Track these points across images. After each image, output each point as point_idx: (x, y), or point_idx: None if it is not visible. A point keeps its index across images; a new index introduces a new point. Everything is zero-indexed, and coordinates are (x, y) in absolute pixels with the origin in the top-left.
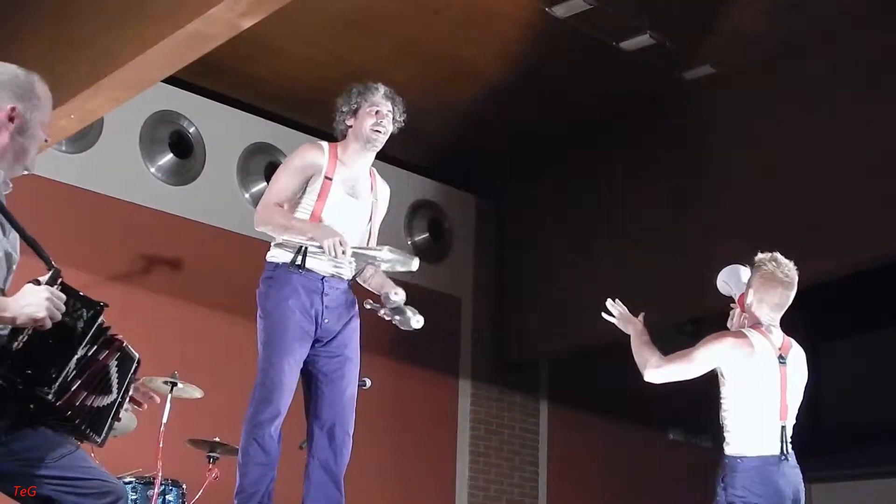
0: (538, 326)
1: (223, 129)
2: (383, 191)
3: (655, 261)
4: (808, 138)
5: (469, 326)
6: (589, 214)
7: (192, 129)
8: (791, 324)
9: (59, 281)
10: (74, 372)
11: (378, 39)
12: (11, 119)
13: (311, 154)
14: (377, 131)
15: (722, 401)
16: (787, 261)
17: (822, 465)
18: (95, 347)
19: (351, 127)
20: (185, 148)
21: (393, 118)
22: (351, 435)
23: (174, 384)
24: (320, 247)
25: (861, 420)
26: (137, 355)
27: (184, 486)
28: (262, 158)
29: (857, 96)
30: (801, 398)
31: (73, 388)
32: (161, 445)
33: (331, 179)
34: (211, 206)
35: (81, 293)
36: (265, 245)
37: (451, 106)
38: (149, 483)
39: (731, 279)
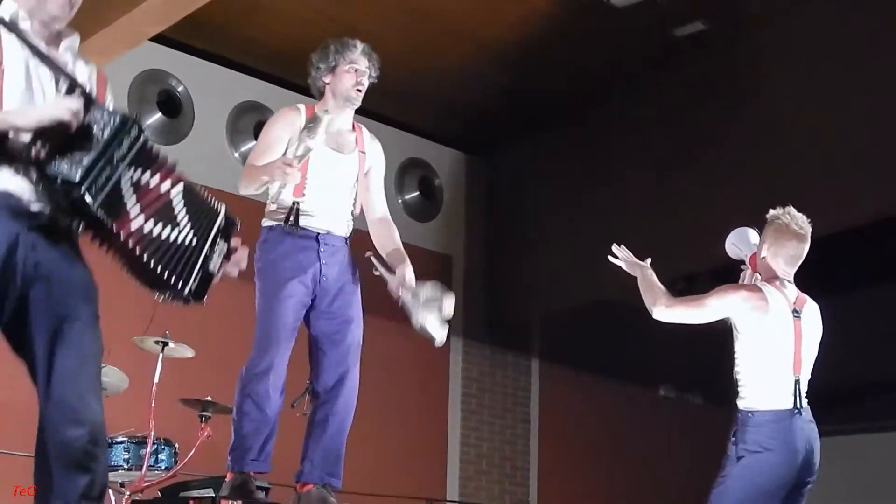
0: (529, 285)
1: (212, 87)
2: (373, 146)
3: (647, 219)
4: (801, 94)
5: (460, 285)
6: (580, 172)
7: (180, 88)
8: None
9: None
10: (132, 194)
11: None
12: None
13: (288, 117)
14: (358, 90)
15: (736, 355)
16: (799, 214)
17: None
18: (146, 171)
19: (328, 84)
20: (173, 107)
21: (369, 75)
22: (355, 395)
23: (166, 344)
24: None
25: (841, 378)
26: (222, 209)
27: (176, 446)
28: (251, 117)
29: (850, 52)
30: (815, 353)
31: (128, 208)
32: (153, 405)
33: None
34: (200, 165)
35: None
36: (254, 204)
37: (442, 64)
38: (141, 442)
39: (739, 241)
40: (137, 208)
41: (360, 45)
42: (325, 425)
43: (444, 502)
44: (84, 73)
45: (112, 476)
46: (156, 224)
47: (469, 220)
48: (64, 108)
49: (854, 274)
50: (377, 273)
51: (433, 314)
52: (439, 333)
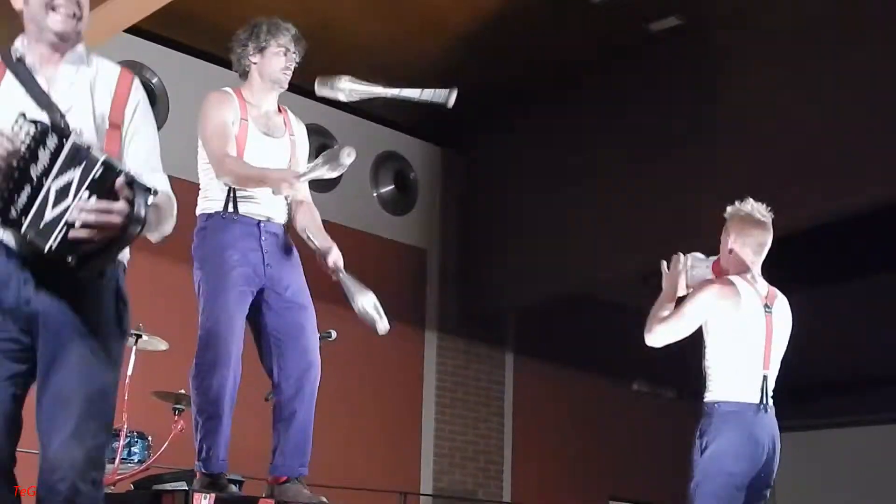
0: (504, 278)
1: (187, 79)
2: (299, 129)
3: (622, 213)
4: (774, 90)
5: (435, 278)
6: (556, 166)
7: (154, 80)
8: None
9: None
10: (52, 200)
11: None
12: None
13: (225, 99)
14: (285, 73)
15: (706, 348)
16: (759, 203)
17: (783, 415)
18: (71, 168)
19: (255, 64)
20: (148, 98)
21: (296, 61)
22: (318, 382)
23: (139, 336)
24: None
25: (826, 370)
26: (102, 157)
27: (149, 438)
28: None
29: (823, 48)
30: (784, 348)
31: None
32: (126, 398)
33: (246, 121)
34: (175, 157)
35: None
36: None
37: (417, 57)
38: (114, 435)
39: (695, 261)
40: (50, 205)
41: (292, 29)
42: (294, 418)
43: (418, 495)
44: (81, 86)
45: None
46: (55, 209)
47: (444, 213)
48: None
49: (824, 269)
50: (313, 247)
51: (370, 298)
52: (381, 321)
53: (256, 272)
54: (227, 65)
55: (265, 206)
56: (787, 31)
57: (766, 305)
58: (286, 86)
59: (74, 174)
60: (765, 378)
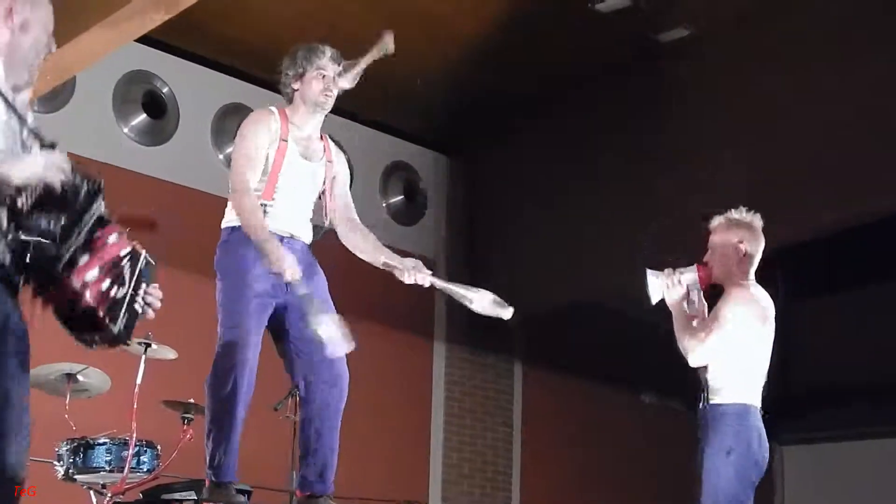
0: (512, 288)
1: (197, 89)
2: (339, 158)
3: (627, 223)
4: (781, 101)
5: None
6: (562, 176)
7: (165, 90)
8: (764, 286)
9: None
10: (82, 249)
11: None
12: (11, 15)
13: (265, 119)
14: (326, 95)
15: (726, 354)
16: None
17: (794, 428)
18: (101, 229)
19: (297, 91)
20: (158, 108)
21: (336, 81)
22: (344, 399)
23: (148, 345)
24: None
25: (831, 382)
26: (144, 252)
27: (158, 448)
28: (235, 119)
29: (830, 59)
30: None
31: (81, 263)
32: (135, 406)
33: (286, 141)
34: (184, 166)
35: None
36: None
37: (424, 67)
38: (123, 444)
39: (653, 276)
40: (86, 258)
41: (328, 51)
42: (322, 434)
43: None
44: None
45: (93, 478)
46: (109, 280)
47: (451, 223)
48: (57, 166)
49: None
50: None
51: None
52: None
53: (278, 287)
54: (236, 75)
55: (290, 223)
56: (795, 41)
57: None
58: (329, 108)
59: (122, 254)
60: (765, 384)
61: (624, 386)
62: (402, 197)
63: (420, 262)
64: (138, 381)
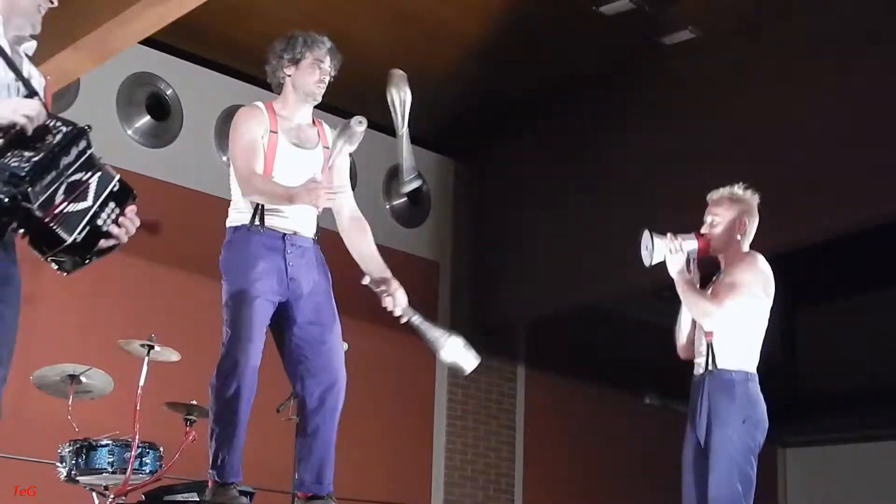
0: (516, 290)
1: (200, 91)
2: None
3: (633, 225)
4: (784, 105)
5: (447, 290)
6: (567, 179)
7: (169, 92)
8: None
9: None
10: (63, 191)
11: (356, 0)
12: None
13: (253, 114)
14: (319, 86)
15: (741, 319)
16: None
17: (797, 430)
18: (83, 172)
19: (290, 76)
20: (162, 110)
21: (331, 74)
22: (342, 399)
23: (151, 347)
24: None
25: (837, 385)
26: (118, 176)
27: (161, 449)
28: None
29: (834, 63)
30: None
31: (56, 202)
32: (138, 408)
33: (276, 133)
34: (188, 168)
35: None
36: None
37: (429, 69)
38: (126, 445)
39: (647, 241)
40: (62, 198)
41: (327, 43)
42: (318, 434)
43: None
44: (37, 79)
45: (96, 479)
46: (72, 204)
47: (456, 226)
48: (25, 110)
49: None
50: (366, 281)
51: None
52: (470, 361)
53: (280, 285)
54: (240, 77)
55: (292, 219)
56: (798, 44)
57: None
58: (319, 99)
59: (91, 179)
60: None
61: (626, 388)
62: (405, 199)
63: (404, 295)
64: (141, 382)
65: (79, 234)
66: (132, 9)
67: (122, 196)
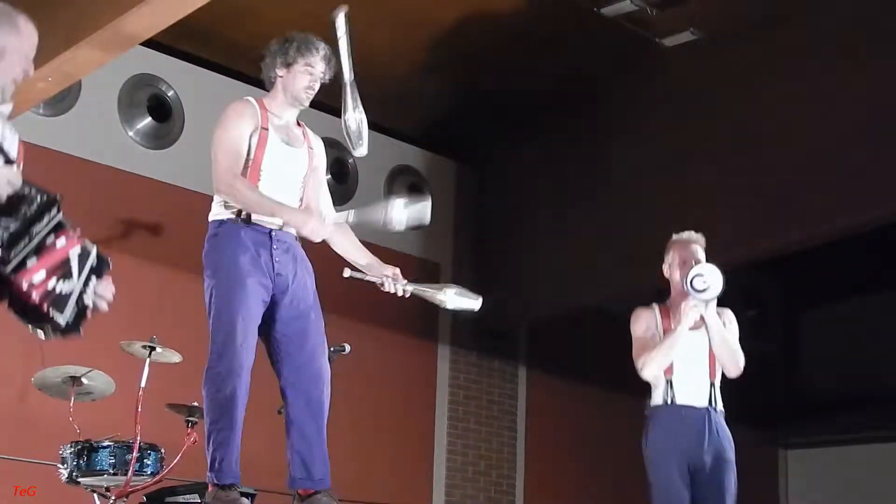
0: (517, 293)
1: (202, 92)
2: (317, 143)
3: (634, 228)
4: (785, 107)
5: None
6: (568, 181)
7: (170, 93)
8: (770, 292)
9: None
10: (33, 253)
11: (358, 3)
12: None
13: (246, 111)
14: (308, 93)
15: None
16: None
17: (799, 432)
18: (54, 235)
19: (281, 77)
20: (163, 111)
21: (321, 80)
22: (328, 393)
23: (153, 348)
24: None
25: (839, 387)
26: (95, 248)
27: (162, 451)
28: None
29: (832, 66)
30: None
31: (29, 266)
32: (139, 410)
33: (267, 129)
34: (189, 169)
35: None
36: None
37: (431, 71)
38: (127, 447)
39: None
40: (35, 261)
41: (322, 49)
42: (304, 428)
43: None
44: (10, 139)
45: (97, 481)
46: (55, 278)
47: (458, 227)
48: (6, 180)
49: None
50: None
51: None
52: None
53: (267, 280)
54: (242, 78)
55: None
56: (799, 46)
57: None
58: (307, 104)
59: (59, 243)
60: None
61: (628, 390)
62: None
63: (398, 271)
64: (142, 384)
65: (70, 315)
66: (132, 10)
67: (100, 267)
